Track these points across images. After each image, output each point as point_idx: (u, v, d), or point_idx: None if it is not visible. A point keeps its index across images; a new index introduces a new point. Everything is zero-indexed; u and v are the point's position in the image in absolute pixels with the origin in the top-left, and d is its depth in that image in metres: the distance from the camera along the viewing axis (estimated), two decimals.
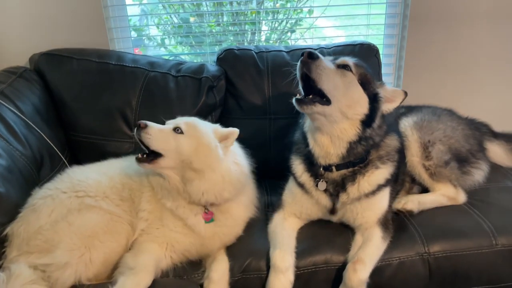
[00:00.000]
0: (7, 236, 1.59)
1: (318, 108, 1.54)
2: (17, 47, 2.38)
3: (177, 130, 1.62)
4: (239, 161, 1.73)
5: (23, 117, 1.91)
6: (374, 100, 1.63)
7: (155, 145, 1.58)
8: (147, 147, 1.60)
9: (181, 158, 1.59)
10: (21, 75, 2.12)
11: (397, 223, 1.77)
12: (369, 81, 1.64)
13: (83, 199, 1.64)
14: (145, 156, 1.61)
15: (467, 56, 2.64)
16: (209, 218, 1.67)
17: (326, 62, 1.57)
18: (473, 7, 2.53)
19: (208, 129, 1.69)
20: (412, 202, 1.85)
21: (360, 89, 1.60)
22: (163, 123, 2.12)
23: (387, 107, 1.67)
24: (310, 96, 1.55)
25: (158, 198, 1.68)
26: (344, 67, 1.61)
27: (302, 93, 1.60)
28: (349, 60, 1.64)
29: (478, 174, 2.01)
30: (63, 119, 2.18)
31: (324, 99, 1.54)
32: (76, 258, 1.52)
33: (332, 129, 1.60)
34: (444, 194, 1.89)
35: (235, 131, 1.70)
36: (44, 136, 1.97)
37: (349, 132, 1.60)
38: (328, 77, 1.53)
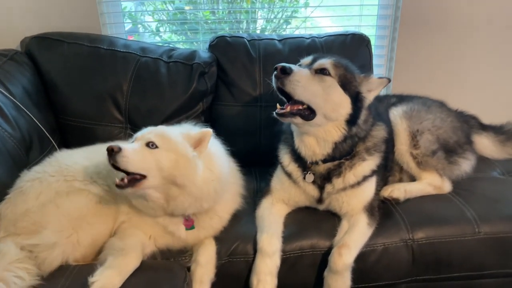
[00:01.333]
0: None
1: (299, 120, 1.57)
2: (8, 30, 2.36)
3: (151, 145, 1.49)
4: (215, 166, 1.60)
5: (13, 98, 1.90)
6: (357, 98, 1.64)
7: (134, 167, 1.44)
8: (125, 171, 1.46)
9: (163, 175, 1.49)
10: (12, 58, 2.11)
11: (383, 210, 1.80)
12: (350, 81, 1.64)
13: (72, 182, 1.64)
14: (125, 180, 1.46)
15: (458, 48, 2.66)
16: (189, 225, 1.64)
17: (301, 71, 1.57)
18: (466, 3, 2.55)
19: (179, 136, 1.56)
20: (399, 190, 1.87)
21: (340, 91, 1.61)
22: (153, 111, 2.16)
23: (369, 96, 1.68)
24: (288, 108, 1.57)
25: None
26: (322, 71, 1.61)
27: (284, 99, 1.62)
28: (327, 63, 1.63)
29: (465, 164, 2.03)
30: (54, 102, 2.17)
31: (307, 110, 1.57)
32: (64, 239, 1.52)
33: (317, 132, 1.62)
34: (430, 183, 1.92)
35: (207, 133, 1.56)
36: (34, 118, 1.96)
37: (334, 134, 1.63)
38: (304, 88, 1.55)
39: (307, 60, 1.70)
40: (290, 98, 1.58)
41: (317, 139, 1.64)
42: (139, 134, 1.57)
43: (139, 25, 2.94)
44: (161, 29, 2.98)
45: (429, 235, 1.70)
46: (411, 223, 1.73)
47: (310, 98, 1.56)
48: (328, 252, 1.63)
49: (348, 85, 1.62)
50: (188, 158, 1.51)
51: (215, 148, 1.72)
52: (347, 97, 1.62)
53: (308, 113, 1.58)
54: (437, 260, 1.70)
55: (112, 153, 1.42)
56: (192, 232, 1.66)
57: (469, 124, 2.18)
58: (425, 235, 1.70)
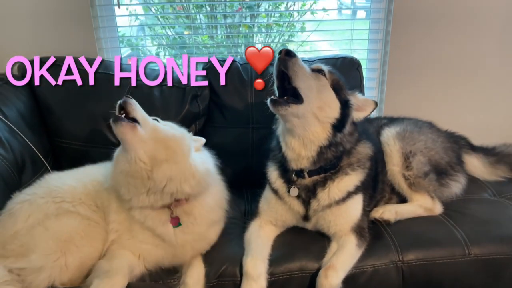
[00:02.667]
0: None
1: (292, 108, 1.56)
2: (5, 55, 2.42)
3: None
4: (206, 160, 1.74)
5: (7, 121, 1.93)
6: (345, 106, 1.67)
7: (139, 116, 1.61)
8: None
9: (157, 136, 1.58)
10: (7, 82, 2.15)
11: (373, 232, 1.79)
12: (341, 88, 1.69)
13: (60, 204, 1.65)
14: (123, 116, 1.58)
15: (448, 71, 2.70)
16: (176, 222, 1.64)
17: (302, 62, 1.62)
18: (455, 23, 2.60)
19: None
20: (390, 212, 1.87)
21: (332, 93, 1.65)
22: None
23: (357, 115, 1.72)
24: (285, 98, 1.58)
25: (126, 208, 1.64)
26: (318, 71, 1.67)
27: (277, 93, 1.64)
28: (323, 66, 1.70)
29: (456, 186, 2.04)
30: (48, 124, 2.20)
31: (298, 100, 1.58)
32: (51, 262, 1.52)
33: (304, 132, 1.63)
34: (421, 204, 1.92)
35: (202, 139, 1.85)
36: (27, 140, 1.98)
37: (320, 136, 1.63)
38: (303, 76, 1.58)
39: (305, 64, 1.74)
40: (284, 94, 1.61)
41: (303, 140, 1.64)
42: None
43: (139, 51, 3.00)
44: (161, 53, 3.04)
45: (419, 257, 1.69)
46: (401, 245, 1.72)
47: (305, 88, 1.58)
48: (316, 274, 1.61)
49: (339, 91, 1.67)
50: (185, 136, 1.69)
51: (208, 153, 1.84)
52: (336, 100, 1.65)
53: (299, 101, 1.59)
54: (427, 282, 1.69)
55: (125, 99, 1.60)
56: (180, 235, 1.64)
57: (459, 144, 2.20)
58: (415, 257, 1.69)
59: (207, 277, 1.65)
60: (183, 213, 1.66)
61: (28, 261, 1.50)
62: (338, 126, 1.65)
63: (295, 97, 1.58)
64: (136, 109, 1.61)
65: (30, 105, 2.16)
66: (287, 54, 1.57)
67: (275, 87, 1.65)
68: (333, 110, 1.64)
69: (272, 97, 1.61)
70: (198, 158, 1.69)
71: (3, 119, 1.93)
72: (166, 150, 1.56)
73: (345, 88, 1.71)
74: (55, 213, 1.62)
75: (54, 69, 2.23)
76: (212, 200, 1.75)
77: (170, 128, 1.68)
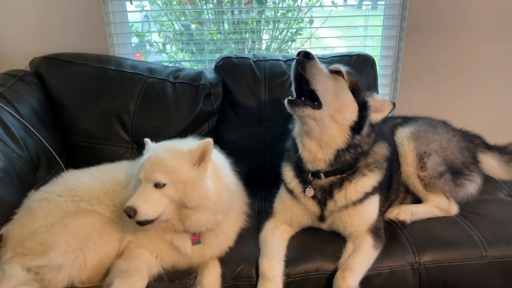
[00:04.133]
0: (2, 237, 1.61)
1: (309, 111, 1.56)
2: (18, 51, 2.41)
3: (158, 185, 1.48)
4: (223, 176, 1.63)
5: (21, 119, 1.93)
6: (363, 108, 1.66)
7: (153, 215, 1.48)
8: None
9: (176, 204, 1.52)
10: (21, 78, 2.15)
11: (389, 233, 1.79)
12: (359, 89, 1.67)
13: (79, 203, 1.65)
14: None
15: (462, 69, 2.67)
16: (196, 240, 1.64)
17: (321, 65, 1.60)
18: (468, 21, 2.57)
19: (181, 159, 1.52)
20: (405, 213, 1.86)
21: (350, 95, 1.64)
22: (159, 132, 2.18)
23: (375, 116, 1.70)
24: (303, 98, 1.57)
25: None
26: (337, 73, 1.65)
27: (294, 95, 1.63)
28: (342, 67, 1.68)
29: (471, 186, 2.03)
30: (61, 122, 2.20)
31: (316, 103, 1.57)
32: (71, 260, 1.53)
33: (321, 134, 1.62)
34: (437, 205, 1.91)
35: (208, 143, 1.52)
36: (42, 139, 1.99)
37: (338, 139, 1.63)
38: (321, 78, 1.57)
39: (323, 64, 1.72)
40: (302, 95, 1.60)
41: (320, 142, 1.64)
42: (142, 172, 1.51)
43: (147, 43, 2.99)
44: (167, 46, 3.02)
45: (436, 259, 1.69)
46: (418, 246, 1.72)
47: (323, 90, 1.57)
48: (333, 275, 1.61)
49: (357, 93, 1.66)
50: (196, 183, 1.51)
51: (219, 159, 1.74)
52: (355, 102, 1.64)
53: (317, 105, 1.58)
54: (444, 284, 1.68)
55: (131, 217, 1.46)
56: (197, 248, 1.66)
57: (474, 143, 2.18)
58: (432, 258, 1.69)
59: (223, 277, 1.65)
60: (207, 231, 1.65)
61: (48, 259, 1.51)
62: (356, 128, 1.64)
63: (313, 98, 1.57)
64: (146, 213, 1.47)
65: (43, 102, 2.16)
66: (306, 56, 1.55)
67: (292, 88, 1.64)
68: (351, 112, 1.63)
69: (290, 97, 1.60)
70: (215, 178, 1.57)
71: (17, 116, 1.93)
72: (189, 209, 1.53)
73: (363, 90, 1.69)
74: (73, 212, 1.63)
75: (66, 66, 2.23)
76: (237, 210, 1.75)
77: (180, 183, 1.51)
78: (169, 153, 1.53)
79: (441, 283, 1.68)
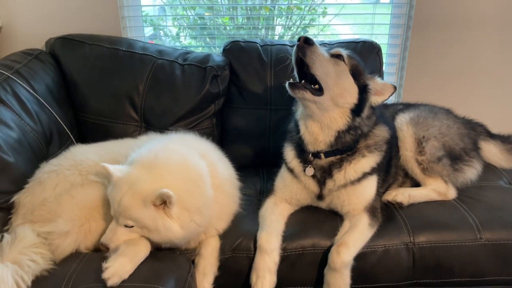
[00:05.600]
0: (14, 204, 1.69)
1: (309, 95, 1.60)
2: (34, 31, 2.50)
3: (127, 226, 1.52)
4: (192, 202, 1.52)
5: (36, 95, 2.01)
6: (363, 91, 1.69)
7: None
8: None
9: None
10: (36, 57, 2.23)
11: (386, 214, 1.83)
12: (360, 73, 1.71)
13: (86, 176, 1.72)
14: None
15: (469, 59, 2.67)
16: None
17: (321, 48, 1.64)
18: (476, 11, 2.57)
19: (143, 204, 1.45)
20: (403, 195, 1.90)
21: (351, 78, 1.67)
22: (167, 112, 2.24)
23: (376, 99, 1.74)
24: (303, 82, 1.61)
25: None
26: (337, 56, 1.69)
27: (297, 78, 1.67)
28: (343, 51, 1.71)
29: (471, 172, 2.05)
30: (74, 100, 2.29)
31: (316, 87, 1.61)
32: (77, 227, 1.60)
33: (322, 117, 1.67)
34: (434, 189, 1.94)
35: (167, 195, 1.40)
36: (54, 114, 2.07)
37: (339, 121, 1.67)
38: (321, 63, 1.60)
39: (323, 47, 1.75)
40: (303, 78, 1.64)
41: (321, 125, 1.68)
42: (115, 211, 1.52)
43: (161, 31, 3.05)
44: (181, 34, 3.08)
45: (430, 239, 1.72)
46: (413, 227, 1.76)
47: (323, 75, 1.61)
48: (328, 250, 1.66)
49: (357, 76, 1.69)
50: (158, 229, 1.48)
51: (217, 158, 1.80)
52: (355, 85, 1.68)
53: (318, 91, 1.62)
54: (437, 264, 1.72)
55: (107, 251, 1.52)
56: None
57: (476, 131, 2.19)
58: (427, 239, 1.72)
59: (222, 250, 1.71)
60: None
61: (55, 226, 1.59)
62: (356, 110, 1.68)
63: (314, 82, 1.61)
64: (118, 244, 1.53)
65: (57, 80, 2.24)
66: (306, 42, 1.58)
67: (295, 72, 1.68)
68: (352, 95, 1.67)
69: (291, 80, 1.64)
70: (183, 211, 1.50)
71: (33, 92, 2.01)
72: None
73: (364, 73, 1.72)
74: (80, 183, 1.69)
75: (79, 46, 2.31)
76: (227, 201, 1.78)
77: (145, 229, 1.51)
78: (132, 197, 1.46)
79: (434, 263, 1.72)
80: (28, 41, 2.44)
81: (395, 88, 1.76)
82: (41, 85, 2.11)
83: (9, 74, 1.97)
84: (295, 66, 1.65)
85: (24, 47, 2.33)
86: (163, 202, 1.45)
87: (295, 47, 1.61)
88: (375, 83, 1.74)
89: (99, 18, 2.55)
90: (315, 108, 1.65)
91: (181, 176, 1.53)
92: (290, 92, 1.63)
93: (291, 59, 1.67)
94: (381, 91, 1.74)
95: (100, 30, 2.48)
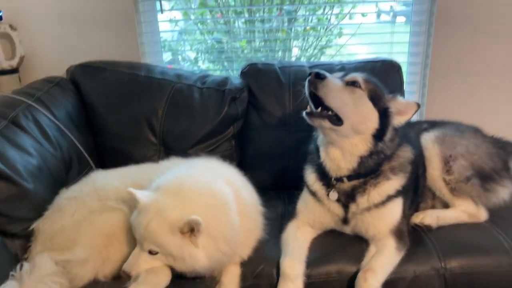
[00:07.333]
0: (33, 231, 1.69)
1: (327, 124, 1.57)
2: (56, 59, 2.58)
3: (152, 252, 1.49)
4: (218, 231, 1.49)
5: (56, 121, 2.04)
6: (384, 114, 1.64)
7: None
8: None
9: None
10: (57, 84, 2.27)
11: (414, 237, 1.74)
12: (379, 96, 1.65)
13: (105, 202, 1.71)
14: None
15: (493, 75, 2.60)
16: None
17: (334, 80, 1.60)
18: (499, 26, 2.51)
19: (170, 230, 1.43)
20: (431, 217, 1.82)
21: (369, 104, 1.62)
22: (186, 135, 2.23)
23: (399, 120, 1.68)
24: (319, 109, 1.58)
25: None
26: (353, 83, 1.64)
27: (312, 107, 1.63)
28: (358, 76, 1.66)
29: (502, 192, 1.95)
30: (93, 125, 2.30)
31: (335, 117, 1.58)
32: (95, 255, 1.58)
33: (343, 144, 1.63)
34: (464, 210, 1.85)
35: (196, 222, 1.39)
36: (75, 140, 2.08)
37: (360, 147, 1.62)
38: (335, 95, 1.57)
39: (338, 74, 1.73)
40: (320, 105, 1.60)
41: (342, 151, 1.64)
42: (140, 235, 1.49)
43: (179, 56, 3.09)
44: (199, 58, 3.11)
45: (463, 265, 1.63)
46: (444, 251, 1.67)
47: (340, 106, 1.57)
48: (355, 277, 1.58)
49: (377, 100, 1.64)
50: (183, 257, 1.45)
51: (241, 182, 1.77)
52: (375, 111, 1.63)
53: (336, 120, 1.58)
54: None
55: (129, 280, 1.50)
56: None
57: (506, 150, 2.09)
58: (459, 264, 1.63)
59: (244, 276, 1.65)
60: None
61: (74, 254, 1.57)
62: (378, 135, 1.63)
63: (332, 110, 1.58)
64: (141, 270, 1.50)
65: (77, 106, 2.27)
66: (317, 77, 1.56)
67: (310, 102, 1.64)
68: (372, 121, 1.62)
69: (308, 109, 1.61)
70: (210, 240, 1.47)
71: (53, 119, 2.04)
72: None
73: (383, 96, 1.67)
74: (99, 210, 1.68)
75: (99, 72, 2.34)
76: (252, 226, 1.74)
77: (170, 257, 1.49)
78: (159, 223, 1.44)
79: None
80: (50, 69, 2.48)
81: (418, 105, 1.70)
82: (62, 111, 2.13)
83: (30, 102, 2.00)
84: (309, 98, 1.62)
85: (46, 74, 2.38)
86: (190, 230, 1.42)
87: (306, 82, 1.59)
88: (397, 103, 1.68)
89: (119, 44, 2.60)
90: (334, 136, 1.62)
91: (208, 203, 1.51)
92: (308, 121, 1.61)
93: (305, 92, 1.63)
94: (404, 110, 1.68)
95: (119, 56, 2.52)
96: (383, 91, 1.70)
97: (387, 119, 1.65)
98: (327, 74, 1.58)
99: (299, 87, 2.22)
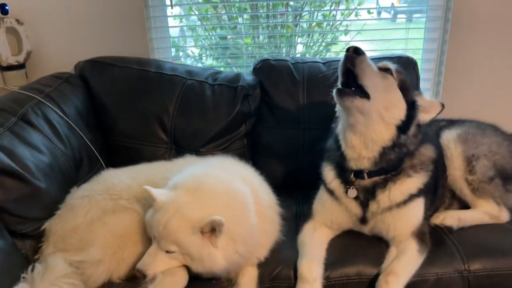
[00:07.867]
0: (44, 231, 1.65)
1: (358, 101, 1.51)
2: (64, 55, 2.52)
3: (169, 252, 1.45)
4: (237, 233, 1.44)
5: (66, 118, 1.99)
6: (411, 107, 1.60)
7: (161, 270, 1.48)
8: None
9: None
10: (66, 80, 2.22)
11: (434, 238, 1.70)
12: (408, 88, 1.62)
13: (117, 201, 1.67)
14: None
15: (508, 72, 2.55)
16: None
17: (370, 60, 1.56)
18: None
19: (190, 229, 1.39)
20: (452, 218, 1.77)
21: (399, 93, 1.58)
22: (197, 133, 2.18)
23: (423, 117, 1.65)
24: (352, 89, 1.53)
25: None
26: (385, 70, 1.60)
27: (340, 87, 1.57)
28: (391, 65, 1.63)
29: None
30: (103, 122, 2.25)
31: (364, 95, 1.52)
32: (109, 256, 1.55)
33: (366, 129, 1.56)
34: (486, 211, 1.80)
35: (218, 222, 1.35)
36: (85, 138, 2.04)
37: (384, 136, 1.57)
38: (370, 74, 1.53)
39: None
40: (348, 86, 1.55)
41: (364, 138, 1.58)
42: (159, 234, 1.45)
43: (181, 52, 3.03)
44: (203, 55, 3.06)
45: (487, 267, 1.59)
46: (467, 253, 1.62)
47: (372, 86, 1.52)
48: (375, 280, 1.54)
49: (405, 91, 1.60)
50: (202, 258, 1.42)
51: (260, 186, 1.72)
52: (403, 101, 1.59)
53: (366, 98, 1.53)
54: None
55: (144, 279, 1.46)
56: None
57: None
58: (483, 266, 1.59)
59: (261, 278, 1.61)
60: None
61: (87, 254, 1.54)
62: (402, 127, 1.58)
63: (360, 93, 1.53)
64: (158, 270, 1.47)
65: (87, 103, 2.22)
66: (355, 52, 1.52)
67: (338, 83, 1.59)
68: (400, 110, 1.58)
69: (339, 86, 1.56)
70: (229, 241, 1.43)
71: (63, 116, 1.99)
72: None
73: (411, 89, 1.64)
74: (112, 209, 1.64)
75: (108, 68, 2.29)
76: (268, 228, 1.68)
77: (187, 257, 1.45)
78: (179, 221, 1.41)
79: None
80: (57, 64, 2.43)
81: (443, 106, 1.67)
82: (71, 108, 2.09)
83: (40, 98, 1.95)
84: (341, 77, 1.56)
85: (54, 70, 2.33)
86: (211, 230, 1.38)
87: (343, 57, 1.54)
88: (422, 99, 1.65)
89: (127, 40, 2.55)
90: (360, 118, 1.54)
91: (228, 204, 1.47)
92: (336, 99, 1.54)
93: (330, 73, 1.60)
94: (429, 108, 1.65)
95: (128, 52, 2.47)
96: (410, 85, 1.66)
97: (413, 112, 1.61)
98: (365, 51, 1.54)
99: (313, 84, 2.22)
